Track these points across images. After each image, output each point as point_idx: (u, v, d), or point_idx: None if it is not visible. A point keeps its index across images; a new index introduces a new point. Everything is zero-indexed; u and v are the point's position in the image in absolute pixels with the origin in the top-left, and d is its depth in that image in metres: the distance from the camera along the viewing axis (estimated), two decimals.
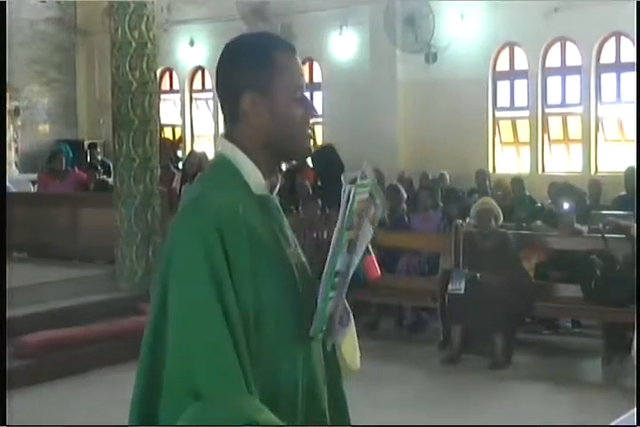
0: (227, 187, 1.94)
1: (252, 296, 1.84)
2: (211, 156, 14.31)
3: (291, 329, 1.92)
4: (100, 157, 15.14)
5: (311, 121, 2.05)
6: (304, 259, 2.05)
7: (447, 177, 11.83)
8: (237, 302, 1.81)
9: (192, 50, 16.01)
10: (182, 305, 1.81)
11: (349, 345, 2.12)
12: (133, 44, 8.78)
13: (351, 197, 1.88)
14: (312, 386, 2.01)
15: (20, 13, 16.12)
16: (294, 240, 2.05)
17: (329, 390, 2.10)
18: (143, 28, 8.81)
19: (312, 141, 2.07)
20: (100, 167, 13.25)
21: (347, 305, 2.09)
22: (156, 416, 1.81)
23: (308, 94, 2.06)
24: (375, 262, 2.03)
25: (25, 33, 16.53)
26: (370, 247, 2.01)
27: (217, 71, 2.06)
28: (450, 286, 7.59)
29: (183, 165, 12.33)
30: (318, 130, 15.02)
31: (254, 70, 1.98)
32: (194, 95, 16.75)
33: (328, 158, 2.05)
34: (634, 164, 11.01)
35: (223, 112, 2.03)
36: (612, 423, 2.62)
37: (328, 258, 1.89)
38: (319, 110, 14.85)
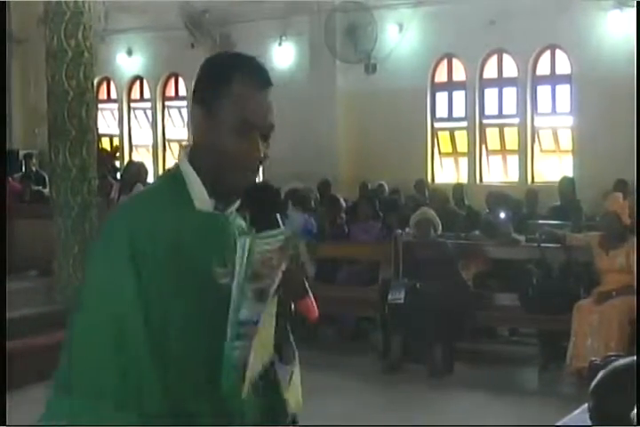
0: (163, 200, 1.90)
1: (160, 316, 1.82)
2: (149, 166, 14.21)
3: (199, 360, 1.88)
4: (34, 168, 14.93)
5: (256, 161, 1.95)
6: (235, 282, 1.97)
7: (386, 187, 11.90)
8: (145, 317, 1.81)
9: (130, 59, 15.90)
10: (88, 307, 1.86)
11: (293, 387, 2.05)
12: (70, 52, 8.66)
13: (245, 250, 1.85)
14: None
15: None
16: (234, 262, 1.96)
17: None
18: (80, 36, 8.71)
19: (250, 180, 1.97)
20: (34, 178, 13.06)
21: (292, 343, 2.03)
22: None
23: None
24: (313, 303, 1.97)
25: None
26: (307, 286, 1.95)
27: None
28: (390, 296, 7.61)
29: (121, 175, 12.20)
30: None
31: (210, 85, 1.92)
32: (132, 105, 16.62)
33: (261, 199, 2.01)
34: (568, 174, 11.22)
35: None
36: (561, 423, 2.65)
37: (230, 310, 1.85)
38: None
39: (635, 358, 2.35)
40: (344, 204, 9.68)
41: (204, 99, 1.92)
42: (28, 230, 9.52)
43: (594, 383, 2.25)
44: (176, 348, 1.83)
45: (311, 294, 1.97)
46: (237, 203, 1.99)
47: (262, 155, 1.95)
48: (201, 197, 1.92)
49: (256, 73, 1.97)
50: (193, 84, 1.98)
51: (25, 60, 16.88)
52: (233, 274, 1.88)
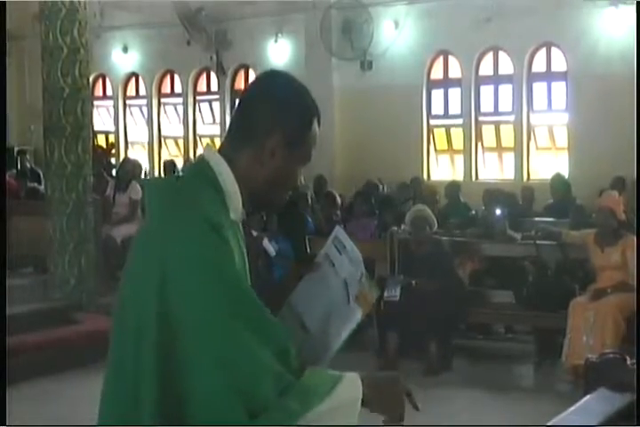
0: (210, 198, 1.91)
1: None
2: (144, 163, 14.21)
3: None
4: (29, 165, 14.91)
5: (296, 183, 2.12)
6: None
7: (383, 184, 11.89)
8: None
9: (125, 56, 15.88)
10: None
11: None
12: (65, 49, 8.65)
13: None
14: None
15: None
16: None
17: None
18: (75, 33, 8.70)
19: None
20: (29, 175, 13.04)
21: None
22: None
23: None
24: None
25: None
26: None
27: (259, 90, 2.03)
28: (385, 293, 7.60)
29: (117, 172, 12.19)
30: None
31: (296, 122, 1.99)
32: (127, 102, 16.60)
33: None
34: (563, 171, 11.23)
35: (237, 129, 2.00)
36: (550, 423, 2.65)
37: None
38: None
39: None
40: (339, 201, 9.68)
41: (288, 129, 1.97)
42: (23, 227, 9.51)
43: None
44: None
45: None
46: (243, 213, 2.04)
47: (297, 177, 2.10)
48: (236, 207, 1.96)
49: (319, 114, 2.08)
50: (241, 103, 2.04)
51: (21, 57, 16.85)
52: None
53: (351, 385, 1.90)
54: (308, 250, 8.60)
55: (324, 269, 2.14)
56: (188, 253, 1.79)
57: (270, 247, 8.60)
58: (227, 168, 1.94)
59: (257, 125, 1.97)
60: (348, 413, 1.90)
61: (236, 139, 1.99)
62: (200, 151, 15.20)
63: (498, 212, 8.43)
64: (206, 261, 1.79)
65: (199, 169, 1.97)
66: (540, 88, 12.73)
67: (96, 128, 14.90)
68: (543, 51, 12.60)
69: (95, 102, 15.40)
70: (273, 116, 1.97)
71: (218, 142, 15.41)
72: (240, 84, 15.19)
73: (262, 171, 1.96)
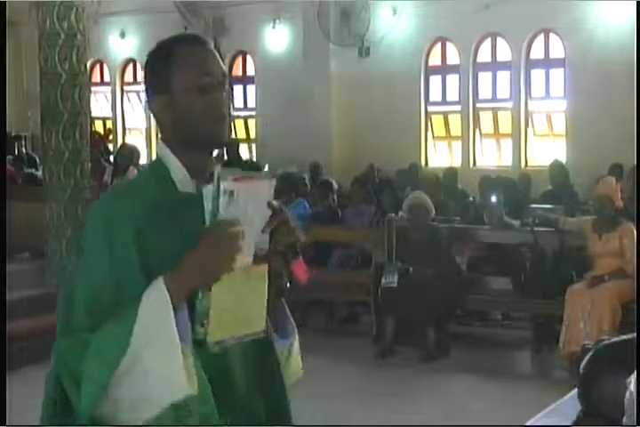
0: (143, 187, 2.03)
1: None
2: (142, 149, 14.17)
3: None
4: (25, 150, 14.88)
5: (226, 107, 2.07)
6: None
7: (380, 171, 11.89)
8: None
9: (123, 42, 15.81)
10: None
11: (293, 361, 2.12)
12: (62, 35, 8.61)
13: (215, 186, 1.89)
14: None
15: None
16: None
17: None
18: (72, 18, 8.65)
19: (227, 126, 2.08)
20: (26, 160, 13.01)
21: (289, 317, 2.11)
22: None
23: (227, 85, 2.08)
24: (303, 267, 2.00)
25: None
26: (297, 250, 1.98)
27: None
28: (383, 280, 7.62)
29: (114, 158, 12.16)
30: (252, 123, 14.98)
31: (157, 72, 2.05)
32: (125, 88, 16.55)
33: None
34: (559, 158, 11.22)
35: None
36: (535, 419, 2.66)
37: None
38: (252, 104, 14.82)
39: (623, 337, 2.35)
40: (336, 187, 9.68)
41: (157, 84, 2.05)
42: (20, 213, 9.48)
43: (583, 363, 2.25)
44: None
45: (301, 258, 1.98)
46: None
47: (224, 105, 2.05)
48: (183, 179, 2.02)
49: (187, 37, 2.10)
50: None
51: (18, 43, 16.78)
52: None
53: (154, 299, 1.85)
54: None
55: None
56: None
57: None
58: (161, 146, 2.06)
59: (147, 86, 2.09)
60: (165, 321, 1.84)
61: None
62: None
63: (494, 198, 8.42)
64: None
65: (151, 162, 2.16)
66: (538, 75, 12.70)
67: (94, 114, 14.84)
68: (541, 37, 12.56)
69: (93, 88, 15.32)
70: (146, 69, 2.10)
71: None
72: (238, 70, 15.15)
73: (170, 127, 2.04)
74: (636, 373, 1.93)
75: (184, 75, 2.01)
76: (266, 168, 9.66)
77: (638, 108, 9.16)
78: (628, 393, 1.93)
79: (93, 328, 1.86)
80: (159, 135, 2.11)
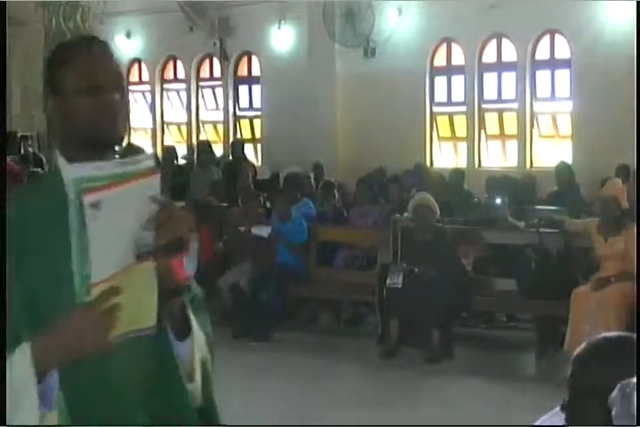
0: (37, 188, 2.03)
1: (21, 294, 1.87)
2: (148, 148, 14.19)
3: None
4: (31, 150, 14.89)
5: (120, 106, 1.98)
6: None
7: (386, 171, 11.88)
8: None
9: (129, 42, 15.81)
10: None
11: (195, 364, 1.99)
12: (68, 35, 8.66)
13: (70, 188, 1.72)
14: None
15: None
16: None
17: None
18: (78, 18, 8.71)
19: (118, 126, 1.99)
20: (32, 160, 13.03)
21: (188, 318, 1.94)
22: None
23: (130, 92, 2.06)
24: (182, 264, 1.87)
25: None
26: (185, 242, 1.79)
27: None
28: (388, 280, 7.61)
29: (120, 158, 12.15)
30: (257, 123, 14.97)
31: (48, 74, 2.02)
32: (130, 87, 16.54)
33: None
34: (565, 159, 11.20)
35: None
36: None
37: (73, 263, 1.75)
38: (258, 104, 14.82)
39: (622, 333, 2.33)
40: (336, 189, 9.71)
41: (47, 88, 2.01)
42: None
43: (575, 353, 2.24)
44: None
45: (185, 254, 1.82)
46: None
47: (115, 105, 1.97)
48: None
49: (77, 39, 2.06)
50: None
51: (23, 43, 16.78)
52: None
53: (18, 367, 1.76)
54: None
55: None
56: None
57: (260, 230, 8.59)
58: (60, 157, 2.00)
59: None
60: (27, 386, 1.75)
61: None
62: (203, 137, 15.20)
63: (500, 199, 8.41)
64: None
65: (45, 173, 2.09)
66: (543, 76, 12.68)
67: None
68: (547, 38, 12.54)
69: None
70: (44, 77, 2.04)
71: (221, 128, 15.45)
72: (243, 70, 15.15)
73: (64, 117, 1.98)
74: (636, 376, 1.92)
75: (71, 76, 1.97)
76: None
77: (638, 108, 9.16)
78: (615, 391, 1.92)
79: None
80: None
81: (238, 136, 14.96)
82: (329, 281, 8.37)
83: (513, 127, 12.97)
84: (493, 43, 12.99)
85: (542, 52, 12.63)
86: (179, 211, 1.82)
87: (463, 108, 13.24)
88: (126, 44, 15.85)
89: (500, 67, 13.04)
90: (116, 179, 1.68)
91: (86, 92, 1.95)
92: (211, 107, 15.76)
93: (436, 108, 13.55)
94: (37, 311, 1.87)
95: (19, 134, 15.74)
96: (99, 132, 1.95)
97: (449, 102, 13.52)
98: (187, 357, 1.97)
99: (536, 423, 2.65)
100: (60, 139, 2.03)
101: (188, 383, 1.99)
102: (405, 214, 8.33)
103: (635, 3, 10.51)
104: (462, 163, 13.12)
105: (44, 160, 13.14)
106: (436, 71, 13.45)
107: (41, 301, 1.88)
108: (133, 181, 1.69)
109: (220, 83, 15.36)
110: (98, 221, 1.66)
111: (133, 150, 11.71)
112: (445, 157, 13.62)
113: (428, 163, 13.11)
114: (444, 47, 13.39)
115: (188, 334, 1.96)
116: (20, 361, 1.76)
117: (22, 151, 14.72)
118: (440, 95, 13.53)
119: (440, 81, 13.52)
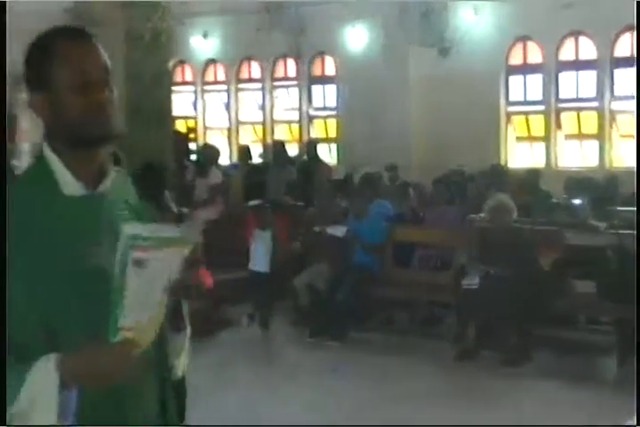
0: (31, 191, 1.95)
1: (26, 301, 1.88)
2: (223, 148, 14.32)
3: (80, 327, 1.91)
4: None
5: (110, 103, 1.98)
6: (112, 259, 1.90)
7: (463, 171, 11.78)
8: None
9: (205, 42, 15.98)
10: None
11: (179, 354, 2.15)
12: (147, 35, 8.76)
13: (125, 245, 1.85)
14: None
15: (36, 5, 16.08)
16: (111, 240, 1.93)
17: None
18: (157, 19, 8.80)
19: (110, 123, 1.98)
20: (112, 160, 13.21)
21: (183, 313, 2.09)
22: None
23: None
24: (206, 274, 2.06)
25: (42, 25, 16.47)
26: (198, 260, 1.97)
27: None
28: (464, 281, 7.56)
29: (197, 157, 12.30)
30: (332, 124, 14.99)
31: (35, 68, 1.97)
32: (206, 87, 16.72)
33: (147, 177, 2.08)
34: None
35: None
36: None
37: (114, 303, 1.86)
38: (331, 104, 14.84)
39: None
40: (412, 192, 9.67)
41: (33, 82, 1.97)
42: None
43: None
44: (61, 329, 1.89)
45: (203, 267, 2.06)
46: (108, 182, 2.01)
47: (106, 101, 1.96)
48: (68, 182, 1.97)
49: (67, 31, 2.00)
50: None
51: (105, 44, 17.03)
52: (110, 255, 1.87)
53: (41, 375, 1.81)
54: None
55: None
56: None
57: (336, 231, 8.61)
58: (46, 147, 1.98)
59: (26, 82, 2.00)
60: (49, 397, 1.81)
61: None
62: (277, 137, 15.28)
63: (580, 200, 8.27)
64: None
65: (31, 164, 2.02)
66: (623, 74, 12.44)
67: (175, 113, 15.05)
68: (627, 35, 12.31)
69: (175, 88, 15.53)
70: (25, 64, 2.00)
71: (295, 128, 15.51)
72: (317, 70, 15.19)
73: (56, 114, 1.96)
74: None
75: (63, 72, 1.93)
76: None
77: (638, 108, 8.93)
78: None
79: (22, 345, 1.85)
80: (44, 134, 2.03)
81: (312, 136, 15.00)
82: (405, 281, 8.33)
83: (591, 126, 12.76)
84: (571, 41, 12.80)
85: (623, 50, 12.40)
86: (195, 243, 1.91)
87: (540, 108, 13.09)
88: (203, 45, 16.02)
89: (577, 65, 12.84)
90: (161, 242, 1.85)
91: (78, 90, 1.93)
92: (285, 107, 15.84)
93: (511, 108, 13.40)
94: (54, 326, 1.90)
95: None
96: (91, 130, 1.94)
97: (525, 101, 13.36)
98: (181, 344, 2.11)
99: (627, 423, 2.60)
100: (47, 132, 2.00)
101: (175, 360, 2.12)
102: (482, 215, 8.26)
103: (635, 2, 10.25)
104: (539, 163, 12.95)
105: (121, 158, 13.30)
106: (511, 70, 13.31)
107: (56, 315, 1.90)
108: (173, 248, 1.85)
109: (295, 83, 15.43)
110: (140, 276, 1.83)
111: (209, 150, 11.84)
112: (522, 156, 13.45)
113: (503, 163, 12.97)
114: (519, 46, 13.24)
115: (184, 327, 2.10)
116: (43, 377, 1.81)
117: None
118: (515, 94, 13.38)
119: (515, 80, 13.37)
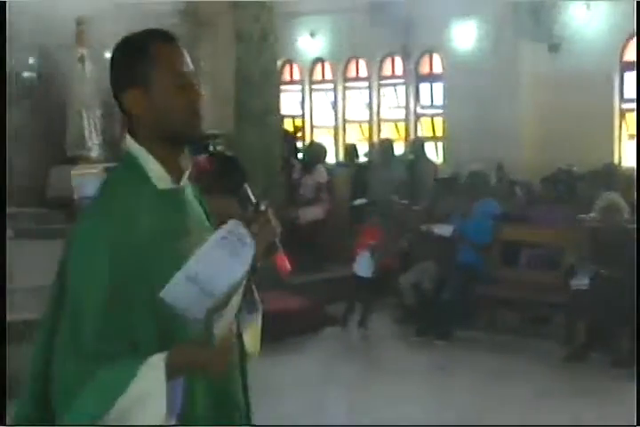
0: (124, 190, 2.02)
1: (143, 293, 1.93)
2: (330, 147, 14.40)
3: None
4: (218, 148, 15.33)
5: (199, 103, 2.08)
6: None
7: (572, 170, 11.56)
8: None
9: (313, 41, 16.09)
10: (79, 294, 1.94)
11: (253, 332, 2.20)
12: (255, 35, 8.88)
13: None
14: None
15: (148, 6, 16.45)
16: (202, 229, 2.10)
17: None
18: (265, 19, 8.91)
19: (201, 122, 2.09)
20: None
21: (256, 295, 2.17)
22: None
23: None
24: (283, 259, 2.13)
25: (151, 26, 16.83)
26: (277, 244, 2.11)
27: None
28: (573, 282, 7.44)
29: (303, 155, 12.39)
30: (438, 122, 14.91)
31: (132, 67, 2.04)
32: (314, 86, 16.83)
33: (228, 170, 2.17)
34: None
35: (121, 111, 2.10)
36: None
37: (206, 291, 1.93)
38: (439, 102, 14.76)
39: None
40: (519, 191, 9.54)
41: (130, 79, 2.04)
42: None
43: None
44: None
45: (282, 251, 2.12)
46: (187, 173, 2.11)
47: (200, 101, 2.07)
48: (161, 176, 2.05)
49: (164, 36, 2.09)
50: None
51: (212, 44, 17.35)
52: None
53: (152, 371, 1.86)
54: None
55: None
56: None
57: (442, 230, 8.54)
58: (133, 143, 2.06)
59: (114, 90, 2.09)
60: (157, 395, 1.85)
61: (123, 114, 2.10)
62: (383, 135, 15.27)
63: None
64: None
65: (121, 161, 2.09)
66: None
67: (283, 112, 15.20)
68: None
69: (282, 87, 15.69)
70: (114, 74, 2.09)
71: (401, 126, 15.47)
72: (425, 68, 15.12)
73: (146, 122, 2.04)
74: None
75: (164, 73, 2.03)
76: None
77: (638, 108, 8.55)
78: None
79: (103, 355, 1.88)
80: (128, 131, 2.10)
81: (419, 134, 14.94)
82: (512, 281, 8.24)
83: None
84: None
85: None
86: (267, 224, 2.06)
87: None
88: (310, 44, 16.14)
89: None
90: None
91: (179, 90, 2.03)
92: (392, 105, 15.82)
93: (625, 105, 13.08)
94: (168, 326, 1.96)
95: (207, 133, 16.27)
96: (187, 128, 2.05)
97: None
98: (254, 326, 2.20)
99: None
100: (135, 127, 2.08)
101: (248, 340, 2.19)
102: (592, 214, 8.10)
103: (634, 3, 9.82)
104: None
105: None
106: (625, 67, 12.99)
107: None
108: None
109: (402, 81, 15.39)
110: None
111: (315, 148, 11.92)
112: (634, 155, 13.10)
113: (616, 162, 12.67)
114: (634, 42, 12.91)
115: (256, 309, 2.19)
116: (152, 374, 1.86)
117: (213, 149, 15.19)
118: (630, 91, 13.04)
119: (630, 77, 13.03)
